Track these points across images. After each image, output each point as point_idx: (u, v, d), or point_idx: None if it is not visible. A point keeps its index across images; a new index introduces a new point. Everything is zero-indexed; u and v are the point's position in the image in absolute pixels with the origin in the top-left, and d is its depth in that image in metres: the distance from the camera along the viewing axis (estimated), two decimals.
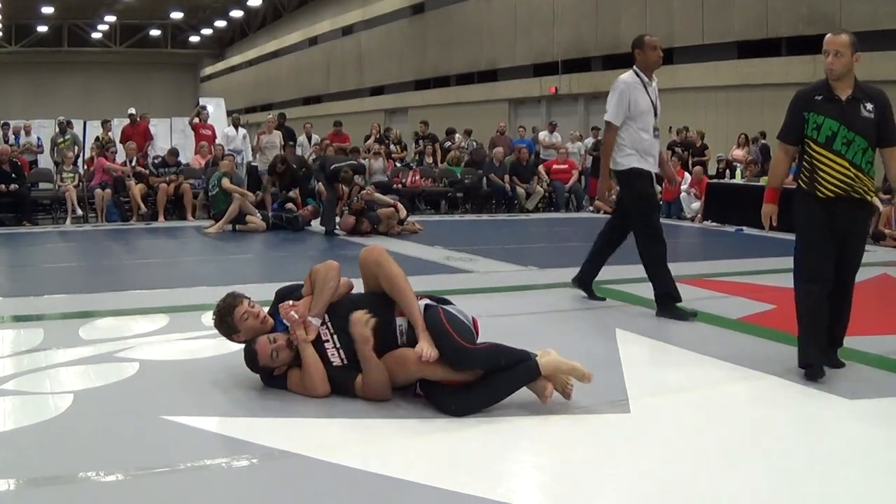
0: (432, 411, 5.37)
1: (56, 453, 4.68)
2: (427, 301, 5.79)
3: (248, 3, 63.26)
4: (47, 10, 60.25)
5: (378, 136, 25.08)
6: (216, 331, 6.16)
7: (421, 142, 25.54)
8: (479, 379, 5.43)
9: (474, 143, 26.40)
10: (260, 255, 14.19)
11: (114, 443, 4.91)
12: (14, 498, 4.11)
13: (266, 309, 6.07)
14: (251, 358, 5.79)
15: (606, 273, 10.06)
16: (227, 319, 5.98)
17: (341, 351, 5.67)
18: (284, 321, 5.76)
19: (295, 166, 18.57)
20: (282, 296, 6.10)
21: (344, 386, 5.61)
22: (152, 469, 4.43)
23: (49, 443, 4.85)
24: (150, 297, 9.54)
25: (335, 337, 5.71)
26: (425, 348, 5.36)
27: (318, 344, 5.69)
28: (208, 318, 7.19)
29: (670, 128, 24.24)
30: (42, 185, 20.26)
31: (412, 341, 5.51)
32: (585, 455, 4.79)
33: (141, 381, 6.15)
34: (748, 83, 27.49)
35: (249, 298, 6.07)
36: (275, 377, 5.82)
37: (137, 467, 4.44)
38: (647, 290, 9.40)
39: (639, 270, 9.43)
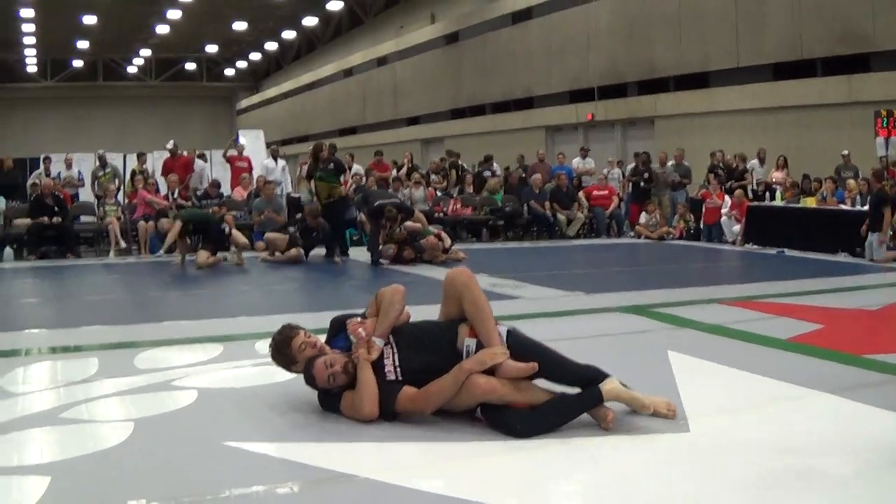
0: (494, 434, 5.38)
1: (119, 483, 4.69)
2: (506, 327, 5.88)
3: (283, 36, 63.64)
4: (82, 44, 60.72)
5: (410, 165, 25.18)
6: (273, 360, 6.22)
7: (448, 171, 25.58)
8: (544, 402, 5.49)
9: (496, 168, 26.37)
10: (306, 285, 14.28)
11: (178, 469, 4.93)
12: None
13: (322, 338, 6.11)
14: (310, 381, 5.86)
15: (652, 297, 10.08)
16: (285, 351, 6.05)
17: (399, 369, 5.72)
18: (351, 337, 5.81)
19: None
20: (337, 324, 6.15)
21: (388, 398, 5.63)
22: (219, 495, 4.45)
23: (111, 472, 4.87)
24: (201, 327, 9.61)
25: (396, 355, 5.76)
26: (499, 351, 5.54)
27: (377, 360, 5.73)
28: (262, 345, 7.25)
29: (711, 153, 24.17)
30: (84, 219, 20.44)
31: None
32: (649, 475, 4.79)
33: (200, 409, 6.20)
34: (784, 105, 27.42)
35: (305, 329, 6.12)
36: (331, 397, 5.83)
37: (204, 493, 4.47)
38: (694, 313, 9.42)
39: (685, 294, 9.41)
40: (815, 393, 6.42)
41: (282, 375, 6.62)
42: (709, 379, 6.54)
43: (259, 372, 7.20)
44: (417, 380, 5.65)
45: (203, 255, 15.49)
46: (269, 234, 17.04)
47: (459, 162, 26.47)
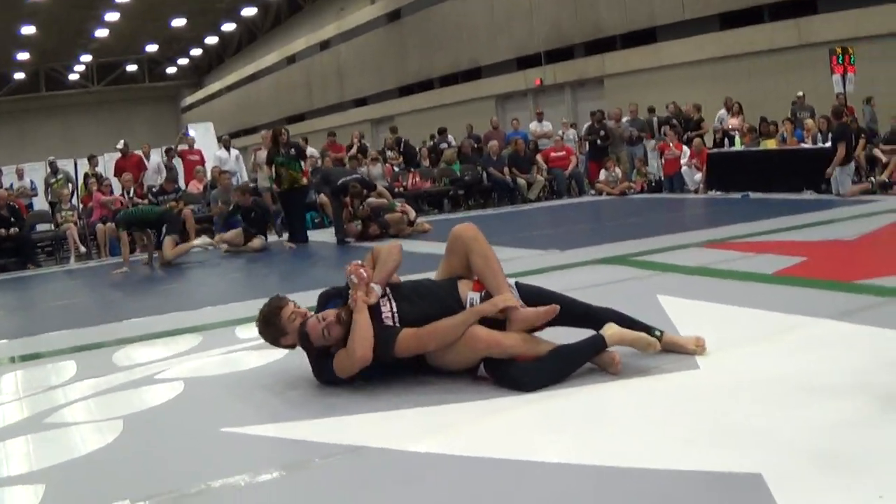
0: (500, 391, 5.23)
1: (118, 481, 4.48)
2: (513, 280, 5.81)
3: (223, 29, 63.39)
4: (22, 56, 60.19)
5: (360, 144, 25.00)
6: (259, 339, 6.07)
7: (390, 151, 25.49)
8: (548, 353, 5.34)
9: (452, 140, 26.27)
10: (276, 269, 14.09)
11: (178, 461, 4.75)
12: None
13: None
14: (304, 339, 5.65)
15: (629, 247, 10.00)
16: (274, 321, 5.87)
17: (396, 315, 5.56)
18: (351, 278, 5.64)
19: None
20: (325, 297, 5.99)
21: (387, 341, 5.43)
22: (227, 481, 4.25)
23: (108, 472, 4.68)
24: (176, 320, 9.39)
25: (393, 304, 5.63)
26: (508, 297, 5.46)
27: (374, 309, 5.56)
28: (243, 330, 7.08)
29: (665, 105, 24.16)
30: (40, 227, 20.23)
31: (482, 319, 5.40)
32: (670, 411, 4.68)
33: (189, 399, 6.01)
34: (733, 53, 27.44)
35: (294, 301, 5.96)
36: (324, 362, 5.66)
37: (209, 481, 4.27)
38: (675, 258, 9.35)
39: (661, 241, 9.32)
40: (813, 320, 6.34)
41: (270, 355, 6.51)
42: (705, 317, 6.42)
43: (245, 356, 7.07)
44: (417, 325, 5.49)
45: (168, 247, 15.16)
46: (222, 236, 16.69)
47: (402, 138, 26.37)
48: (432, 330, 5.37)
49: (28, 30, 51.76)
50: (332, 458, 4.46)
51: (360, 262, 5.79)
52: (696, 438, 4.21)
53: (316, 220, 20.02)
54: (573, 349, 5.43)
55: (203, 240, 15.85)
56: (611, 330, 5.41)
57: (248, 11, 58.23)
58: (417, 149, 25.28)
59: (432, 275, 6.10)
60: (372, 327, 5.45)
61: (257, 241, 16.25)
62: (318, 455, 4.51)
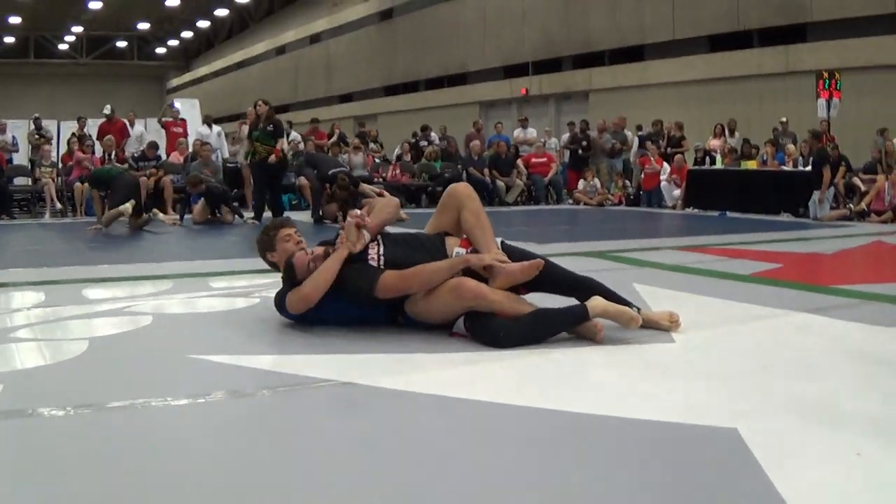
0: (474, 346, 5.20)
1: (77, 387, 4.44)
2: (499, 238, 5.79)
3: (215, 14, 63.22)
4: (14, 20, 59.94)
5: (339, 135, 25.02)
6: (231, 288, 6.04)
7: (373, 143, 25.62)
8: (529, 314, 5.32)
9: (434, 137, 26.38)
10: (250, 238, 13.99)
11: (145, 377, 4.70)
12: (48, 424, 3.88)
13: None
14: (289, 269, 5.65)
15: (606, 246, 10.04)
16: (270, 233, 5.99)
17: (382, 258, 5.54)
18: (349, 217, 5.62)
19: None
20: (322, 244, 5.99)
21: (368, 280, 5.41)
22: (198, 398, 4.20)
23: (68, 379, 4.64)
24: (148, 268, 9.38)
25: (381, 248, 5.60)
26: (497, 253, 5.46)
27: (361, 251, 5.55)
28: (217, 282, 7.06)
29: (644, 125, 24.26)
30: (18, 182, 20.12)
31: (470, 272, 5.40)
32: (645, 374, 4.67)
33: (158, 329, 5.94)
34: (721, 76, 27.54)
35: (297, 229, 6.04)
36: (283, 302, 5.68)
37: (171, 396, 4.22)
38: (652, 256, 9.40)
39: (637, 244, 9.35)
40: (788, 312, 6.36)
41: (239, 303, 6.45)
42: (681, 303, 6.37)
43: (217, 301, 7.05)
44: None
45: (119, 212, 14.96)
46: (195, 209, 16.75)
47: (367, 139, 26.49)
48: (417, 271, 5.34)
49: None
50: (297, 387, 4.43)
51: (359, 211, 5.76)
52: (670, 397, 4.20)
53: (293, 203, 20.02)
54: (554, 313, 5.41)
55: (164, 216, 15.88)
56: (595, 301, 5.36)
57: None
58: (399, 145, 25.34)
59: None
60: (334, 275, 5.46)
61: (228, 216, 16.26)
62: (281, 384, 4.48)
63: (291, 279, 5.65)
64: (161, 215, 15.81)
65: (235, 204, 17.75)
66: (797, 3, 25.14)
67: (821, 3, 24.60)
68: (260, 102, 16.80)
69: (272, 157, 16.26)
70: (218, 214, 16.40)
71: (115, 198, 14.65)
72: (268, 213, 16.19)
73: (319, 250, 5.57)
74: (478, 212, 5.70)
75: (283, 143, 17.39)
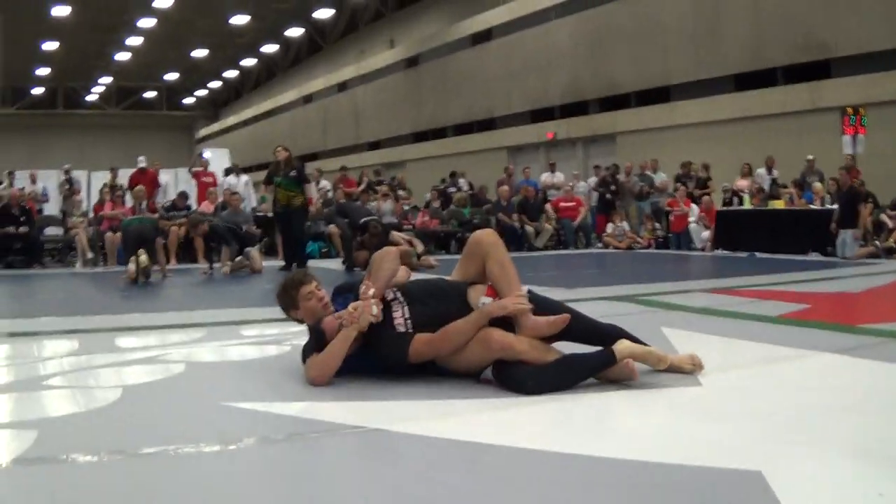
0: (503, 392, 5.20)
1: (110, 434, 4.48)
2: (526, 287, 5.75)
3: (242, 64, 63.77)
4: (43, 71, 60.49)
5: (367, 182, 25.20)
6: (264, 336, 6.07)
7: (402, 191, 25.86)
8: (556, 361, 5.32)
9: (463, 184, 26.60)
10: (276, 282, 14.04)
11: (174, 423, 4.73)
12: (75, 471, 3.91)
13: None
14: (318, 336, 5.64)
15: (634, 290, 10.09)
16: (291, 292, 5.91)
17: (408, 321, 5.50)
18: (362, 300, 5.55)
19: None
20: (338, 291, 6.01)
21: (399, 350, 5.44)
22: (229, 446, 4.22)
23: (101, 426, 4.67)
24: (180, 317, 9.47)
25: (406, 308, 5.57)
26: (524, 301, 5.41)
27: (386, 312, 5.51)
28: (248, 330, 7.11)
29: (679, 165, 24.33)
30: (49, 232, 20.34)
31: (493, 322, 5.38)
32: (671, 416, 4.69)
33: (190, 377, 6.00)
34: (747, 115, 27.53)
35: (318, 281, 5.99)
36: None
37: (203, 443, 4.24)
38: (680, 300, 9.39)
39: (665, 287, 9.35)
40: (815, 353, 6.36)
41: (272, 350, 6.50)
42: (707, 346, 6.39)
43: (248, 349, 7.12)
44: (427, 330, 5.45)
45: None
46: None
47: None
48: (444, 335, 5.35)
49: (50, 45, 52.07)
50: (331, 433, 4.45)
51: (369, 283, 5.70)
52: (695, 439, 4.21)
53: (323, 250, 20.10)
54: (581, 359, 5.41)
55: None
56: (621, 345, 5.36)
57: (269, 48, 58.70)
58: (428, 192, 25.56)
59: None
60: (341, 359, 5.47)
61: (256, 262, 16.34)
62: (315, 430, 4.50)
63: (319, 343, 5.65)
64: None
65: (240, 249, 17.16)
66: (820, 40, 25.15)
67: (844, 40, 24.60)
68: (280, 148, 16.64)
69: (312, 209, 16.27)
70: (246, 260, 16.43)
71: (125, 248, 14.81)
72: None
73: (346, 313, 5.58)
74: (503, 260, 5.67)
75: (312, 190, 17.25)
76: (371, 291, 5.49)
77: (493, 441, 4.25)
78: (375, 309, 5.45)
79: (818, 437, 4.19)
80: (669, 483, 3.62)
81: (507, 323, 5.40)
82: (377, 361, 5.61)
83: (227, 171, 24.18)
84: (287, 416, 4.84)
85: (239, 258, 16.36)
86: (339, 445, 4.31)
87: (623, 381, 5.32)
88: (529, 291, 5.70)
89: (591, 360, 5.38)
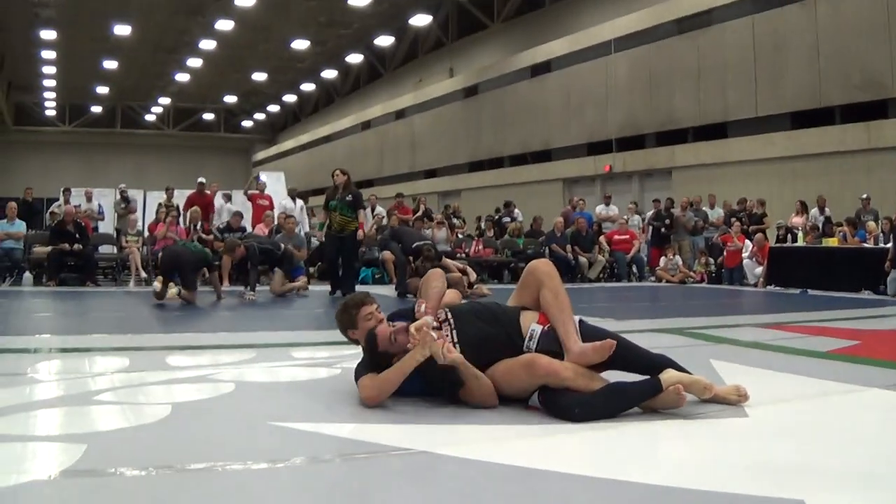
0: (550, 419, 5.22)
1: (158, 449, 4.52)
2: (578, 317, 5.79)
3: (302, 89, 64.10)
4: (102, 90, 61.19)
5: (425, 209, 25.34)
6: (312, 358, 6.10)
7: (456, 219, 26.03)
8: (602, 388, 5.36)
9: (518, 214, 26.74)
10: (328, 309, 14.07)
11: (225, 441, 4.79)
12: (122, 484, 3.95)
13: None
14: (371, 340, 5.69)
15: (685, 323, 10.08)
16: (352, 311, 5.93)
17: (458, 346, 5.54)
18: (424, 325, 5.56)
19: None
20: (394, 316, 6.04)
21: (453, 386, 5.50)
22: (276, 464, 4.25)
23: (149, 441, 4.71)
24: (231, 337, 9.56)
25: (454, 332, 5.62)
26: (588, 346, 5.43)
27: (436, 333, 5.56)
28: (299, 352, 7.15)
29: (735, 201, 24.35)
30: (104, 250, 20.54)
31: (543, 349, 5.48)
32: (717, 447, 4.70)
33: (240, 397, 6.03)
34: (804, 153, 27.40)
35: (378, 305, 6.01)
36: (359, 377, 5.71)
37: (259, 460, 4.29)
38: (731, 333, 9.36)
39: (717, 321, 9.33)
40: (864, 388, 6.32)
41: (322, 372, 6.54)
42: (756, 379, 6.36)
43: (297, 372, 7.15)
44: (475, 352, 5.51)
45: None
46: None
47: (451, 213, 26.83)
48: (482, 391, 5.49)
49: (110, 64, 52.66)
50: (381, 456, 4.47)
51: (418, 304, 5.73)
52: (740, 468, 4.22)
53: (377, 276, 20.17)
54: (628, 387, 5.43)
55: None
56: (668, 374, 5.40)
57: (329, 74, 59.02)
58: (481, 219, 25.66)
59: None
60: (398, 384, 5.53)
61: (302, 286, 16.61)
62: (365, 451, 4.53)
63: (372, 351, 5.70)
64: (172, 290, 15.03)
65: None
66: (878, 80, 25.01)
67: None
68: (338, 172, 16.60)
69: (360, 234, 16.33)
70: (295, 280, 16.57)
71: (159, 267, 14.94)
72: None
73: (402, 325, 5.63)
74: (557, 290, 5.72)
75: (366, 216, 17.10)
76: (423, 307, 5.55)
77: (538, 466, 4.27)
78: (429, 319, 5.52)
79: (864, 471, 4.18)
80: None
81: (554, 353, 5.44)
82: (426, 384, 5.65)
83: (290, 193, 24.34)
84: (336, 436, 4.88)
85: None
86: (385, 467, 4.33)
87: (669, 410, 5.33)
88: (581, 322, 5.73)
89: (638, 389, 5.39)
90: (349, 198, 16.36)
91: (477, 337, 5.57)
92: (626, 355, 5.57)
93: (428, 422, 5.20)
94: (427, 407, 5.51)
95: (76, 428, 5.01)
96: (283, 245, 17.07)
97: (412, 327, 5.49)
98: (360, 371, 5.76)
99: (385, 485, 4.10)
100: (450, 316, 5.72)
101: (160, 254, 16.75)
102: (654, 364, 5.57)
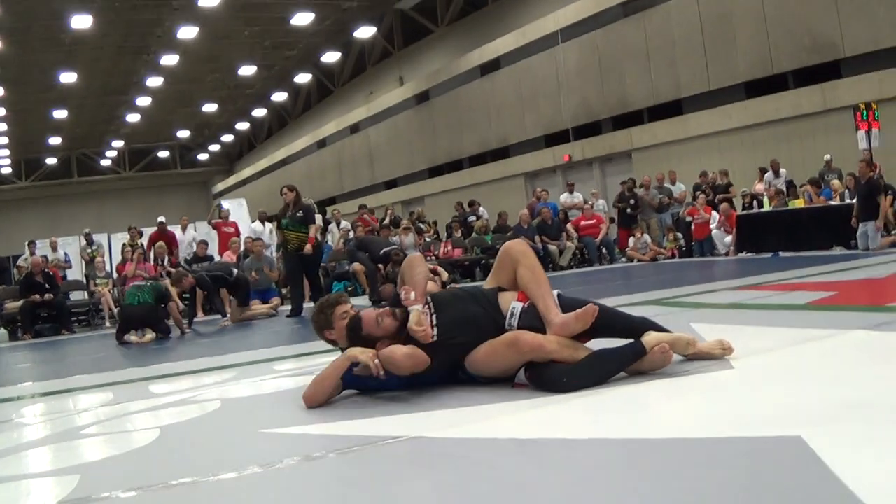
0: (538, 393, 5.21)
1: (154, 469, 4.51)
2: (556, 291, 5.81)
3: (254, 115, 63.92)
4: (55, 140, 60.84)
5: (392, 218, 25.40)
6: (294, 369, 6.09)
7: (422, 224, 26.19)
8: (587, 357, 5.36)
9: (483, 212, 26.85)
10: (305, 324, 14.03)
11: (217, 453, 4.79)
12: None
13: None
14: (355, 326, 5.70)
15: (663, 294, 10.33)
16: (326, 311, 5.98)
17: (436, 328, 5.55)
18: (404, 303, 5.66)
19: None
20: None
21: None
22: (270, 467, 4.22)
23: (143, 464, 4.71)
24: (212, 361, 9.53)
25: (433, 316, 5.62)
26: (570, 316, 5.45)
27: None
28: (280, 365, 7.13)
29: (697, 175, 24.48)
30: (74, 297, 20.48)
31: (524, 325, 5.50)
32: (708, 399, 4.71)
33: (227, 412, 6.05)
34: (761, 121, 27.49)
35: (353, 305, 6.05)
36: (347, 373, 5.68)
37: (252, 465, 4.25)
38: (709, 298, 9.42)
39: (694, 289, 9.37)
40: (845, 331, 6.33)
41: (305, 381, 6.53)
42: (738, 335, 6.34)
43: (281, 383, 7.14)
44: (458, 333, 5.54)
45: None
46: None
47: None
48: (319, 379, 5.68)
49: (60, 113, 52.29)
50: (376, 445, 4.45)
51: (405, 291, 5.75)
52: (733, 415, 4.23)
53: (349, 289, 20.15)
54: (612, 353, 5.44)
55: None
56: (649, 336, 5.42)
57: (279, 97, 58.88)
58: (448, 221, 25.78)
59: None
60: (332, 386, 5.68)
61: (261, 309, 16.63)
62: (359, 444, 4.49)
63: (355, 335, 5.70)
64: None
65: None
66: (828, 41, 25.10)
67: (852, 39, 24.53)
68: (285, 189, 16.42)
69: (307, 248, 15.98)
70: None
71: (125, 325, 14.60)
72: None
73: (386, 310, 5.64)
74: (533, 267, 5.77)
75: (315, 230, 16.82)
76: (412, 295, 5.56)
77: (534, 436, 4.29)
78: (421, 314, 5.57)
79: (855, 403, 4.18)
80: (711, 455, 3.63)
81: (537, 328, 5.46)
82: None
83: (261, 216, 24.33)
84: (326, 435, 4.88)
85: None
86: (381, 455, 4.31)
87: (656, 371, 5.35)
88: (559, 295, 5.74)
89: (622, 353, 5.41)
90: (299, 214, 16.17)
91: (460, 318, 5.58)
92: (607, 322, 5.59)
93: (417, 410, 5.20)
94: (415, 398, 5.52)
95: (68, 462, 5.00)
96: (234, 270, 16.99)
97: (412, 324, 5.51)
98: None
99: (388, 471, 4.07)
100: (429, 299, 5.72)
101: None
102: (635, 327, 5.58)
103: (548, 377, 5.28)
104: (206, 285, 16.18)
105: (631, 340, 5.47)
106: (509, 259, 5.86)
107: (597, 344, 5.59)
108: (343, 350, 5.79)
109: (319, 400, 5.61)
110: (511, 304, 5.63)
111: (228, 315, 16.16)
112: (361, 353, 5.52)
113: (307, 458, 4.32)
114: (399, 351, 5.45)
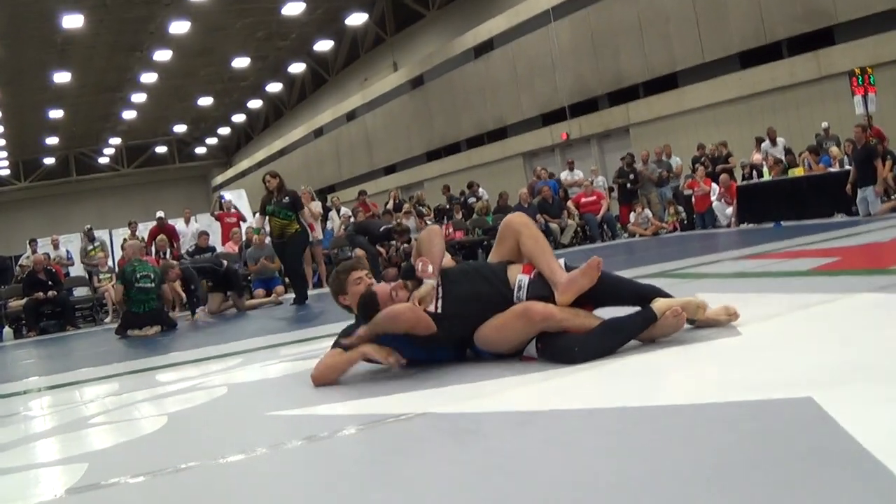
0: (549, 364, 5.17)
1: (162, 455, 4.47)
2: (562, 258, 5.78)
3: (249, 106, 63.88)
4: (52, 140, 60.83)
5: (397, 202, 25.37)
6: (300, 353, 6.07)
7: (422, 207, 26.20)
8: (598, 326, 5.32)
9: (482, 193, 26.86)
10: (313, 311, 13.97)
11: (224, 436, 4.78)
12: (128, 491, 3.90)
13: None
14: (370, 302, 5.65)
15: (667, 266, 10.38)
16: (341, 276, 6.05)
17: (440, 301, 5.55)
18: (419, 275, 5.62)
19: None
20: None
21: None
22: (278, 448, 4.21)
23: (151, 450, 4.71)
24: (218, 349, 9.49)
25: (440, 288, 5.61)
26: (576, 272, 5.45)
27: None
28: (286, 350, 7.11)
29: (696, 147, 24.45)
30: (78, 292, 20.50)
31: (533, 296, 5.45)
32: (719, 364, 4.68)
33: (234, 397, 6.03)
34: (757, 91, 27.46)
35: (368, 272, 6.10)
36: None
37: (259, 447, 4.24)
38: (713, 268, 9.38)
39: (698, 261, 9.35)
40: (850, 294, 6.29)
41: (311, 364, 6.52)
42: (744, 302, 6.30)
43: (287, 367, 7.11)
44: (467, 309, 5.52)
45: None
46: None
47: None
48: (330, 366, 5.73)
49: (56, 113, 52.28)
50: (393, 422, 4.40)
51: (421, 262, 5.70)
52: (743, 379, 4.20)
53: None
54: (623, 321, 5.40)
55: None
56: (658, 302, 5.38)
57: (274, 87, 58.81)
58: (449, 203, 25.76)
59: None
60: (344, 370, 5.74)
61: (238, 301, 16.49)
62: (369, 421, 4.47)
63: (368, 311, 5.65)
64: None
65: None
66: (821, 8, 25.05)
67: (844, 5, 24.48)
68: (268, 177, 15.92)
69: (296, 228, 15.60)
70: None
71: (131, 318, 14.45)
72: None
73: (401, 283, 5.63)
74: (535, 236, 5.72)
75: (308, 216, 16.43)
76: (430, 268, 5.54)
77: (546, 408, 4.26)
78: (431, 281, 5.56)
79: (864, 364, 4.15)
80: (723, 417, 3.60)
81: (545, 297, 5.43)
82: (417, 347, 5.64)
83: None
84: (333, 415, 4.85)
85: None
86: (391, 432, 4.26)
87: (667, 337, 5.33)
88: (565, 263, 5.71)
89: (633, 320, 5.37)
90: (286, 200, 15.60)
91: (469, 295, 5.55)
92: (614, 290, 5.59)
93: (424, 387, 5.16)
94: (422, 375, 5.48)
95: (76, 450, 4.99)
96: (224, 262, 16.94)
97: (416, 294, 5.50)
98: (341, 336, 5.84)
99: (394, 448, 4.02)
100: (439, 279, 5.68)
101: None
102: (643, 295, 5.55)
103: (560, 347, 5.23)
104: (191, 278, 16.08)
105: (640, 308, 5.43)
106: (511, 231, 5.82)
107: (605, 313, 5.54)
108: (359, 309, 5.78)
109: (324, 382, 5.64)
110: (518, 278, 5.59)
111: (199, 310, 16.16)
112: (376, 352, 5.55)
113: (315, 437, 4.29)
114: (403, 305, 5.45)
